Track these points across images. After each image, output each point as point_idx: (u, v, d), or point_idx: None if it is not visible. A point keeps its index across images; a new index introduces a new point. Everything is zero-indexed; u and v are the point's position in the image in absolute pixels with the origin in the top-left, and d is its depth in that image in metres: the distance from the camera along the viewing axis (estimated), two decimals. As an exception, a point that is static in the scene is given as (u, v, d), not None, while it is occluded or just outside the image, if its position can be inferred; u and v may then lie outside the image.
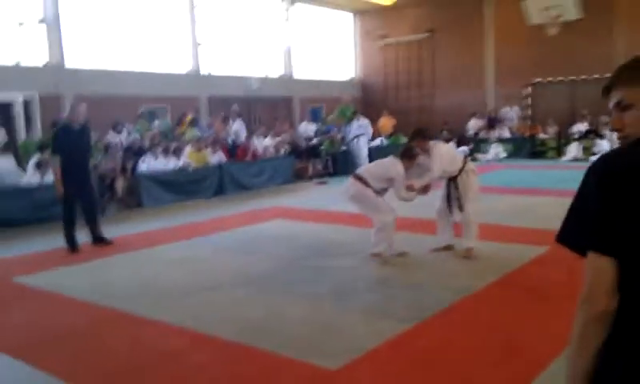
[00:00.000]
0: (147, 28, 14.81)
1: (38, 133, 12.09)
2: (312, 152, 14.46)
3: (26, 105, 12.32)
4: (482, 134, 17.69)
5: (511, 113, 18.25)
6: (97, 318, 4.72)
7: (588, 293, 1.34)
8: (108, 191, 9.88)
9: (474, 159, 16.16)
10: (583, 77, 16.98)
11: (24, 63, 12.63)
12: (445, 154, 6.01)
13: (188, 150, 11.64)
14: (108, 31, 13.97)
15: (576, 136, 16.29)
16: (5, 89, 11.85)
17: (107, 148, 10.96)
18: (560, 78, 17.51)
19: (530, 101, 18.32)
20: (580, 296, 1.35)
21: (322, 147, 14.63)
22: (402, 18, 20.38)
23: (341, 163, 14.30)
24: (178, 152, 11.42)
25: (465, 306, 4.65)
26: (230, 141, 13.29)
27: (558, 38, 16.96)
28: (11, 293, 5.60)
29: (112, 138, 11.91)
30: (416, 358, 3.71)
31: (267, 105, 17.81)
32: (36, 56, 12.83)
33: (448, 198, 6.09)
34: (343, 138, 15.06)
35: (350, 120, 15.06)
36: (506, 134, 17.49)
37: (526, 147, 17.06)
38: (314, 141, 15.00)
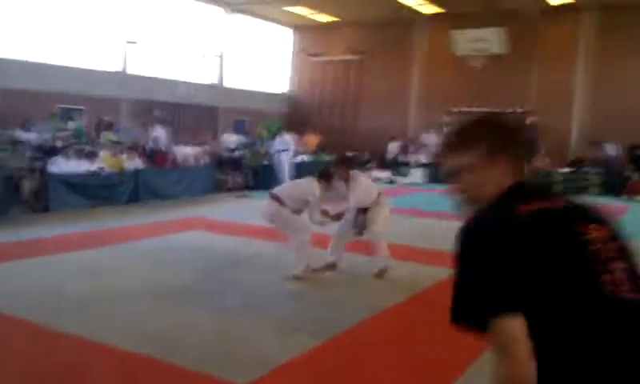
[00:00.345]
0: (71, 20, 14.19)
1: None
2: (233, 164, 14.32)
3: None
4: (402, 158, 18.19)
5: (430, 139, 18.89)
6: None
7: (509, 361, 1.20)
8: (14, 192, 9.32)
9: (392, 182, 16.62)
10: (500, 109, 17.89)
11: None
12: (363, 187, 6.19)
13: (104, 154, 11.22)
14: (26, 18, 13.27)
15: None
16: None
17: (14, 145, 10.36)
18: (477, 109, 18.35)
19: (449, 128, 19.05)
20: (496, 369, 1.22)
21: (244, 160, 14.52)
22: (336, 37, 20.75)
23: (262, 177, 14.24)
24: (92, 155, 10.97)
25: (375, 323, 4.73)
26: (148, 147, 12.93)
27: (480, 71, 17.82)
28: None
29: (19, 135, 11.29)
30: (326, 373, 3.73)
31: (193, 112, 17.51)
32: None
33: (355, 221, 6.21)
34: (267, 152, 15.04)
35: (274, 135, 15.09)
36: (424, 159, 18.08)
37: (444, 173, 17.70)
38: (237, 153, 14.87)
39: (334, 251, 6.31)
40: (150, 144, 13.10)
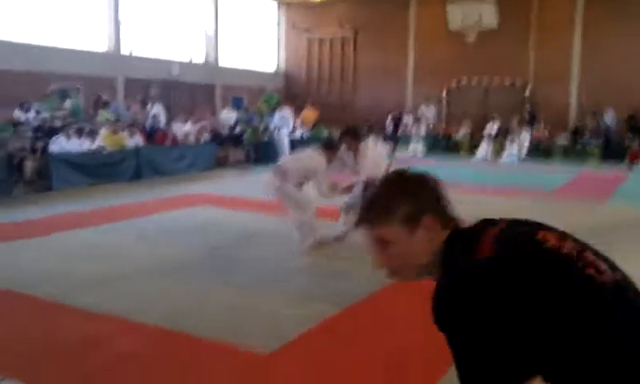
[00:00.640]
0: (64, 1, 14.04)
1: None
2: (233, 140, 14.29)
3: None
4: (402, 131, 18.15)
5: (428, 112, 18.88)
6: (7, 305, 4.44)
7: None
8: (16, 172, 9.30)
9: (391, 155, 16.60)
10: (496, 82, 17.89)
11: None
12: (373, 159, 6.04)
13: (103, 132, 11.17)
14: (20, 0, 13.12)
15: (486, 137, 17.11)
16: None
17: (16, 126, 10.31)
18: (475, 82, 18.33)
19: (446, 102, 19.04)
20: None
21: (244, 136, 14.49)
22: (327, 13, 20.55)
23: (262, 153, 14.24)
24: (92, 134, 10.94)
25: (388, 294, 4.77)
26: (147, 125, 12.88)
27: (475, 44, 17.74)
28: None
29: (18, 115, 11.22)
30: (345, 341, 3.78)
31: (188, 91, 17.39)
32: None
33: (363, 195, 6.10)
34: (266, 128, 15.00)
35: (273, 110, 15.04)
36: (423, 132, 18.07)
37: (441, 145, 17.74)
38: (237, 130, 14.83)
39: (344, 223, 6.19)
40: (150, 122, 13.04)
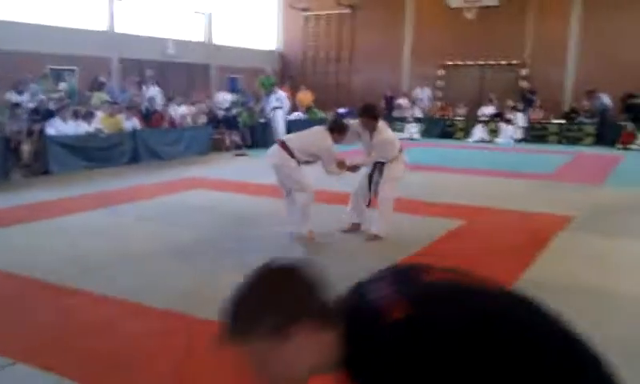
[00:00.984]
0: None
1: None
2: (230, 123, 14.22)
3: None
4: (398, 113, 18.08)
5: (422, 94, 18.83)
6: (17, 289, 4.44)
7: None
8: (13, 155, 9.24)
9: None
10: (493, 62, 17.84)
11: None
12: (389, 140, 5.89)
13: (100, 114, 11.10)
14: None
15: (482, 119, 17.12)
16: None
17: (12, 109, 10.21)
18: (471, 62, 18.27)
19: (442, 82, 18.99)
20: None
21: (240, 119, 14.42)
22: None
23: (259, 135, 14.20)
24: (88, 116, 10.86)
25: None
26: (144, 107, 12.79)
27: (474, 23, 17.63)
28: None
29: (13, 98, 11.10)
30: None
31: (184, 71, 17.26)
32: None
33: (370, 180, 5.95)
34: (262, 110, 14.93)
35: (269, 92, 14.96)
36: (418, 113, 18.04)
37: (437, 127, 17.72)
38: (233, 112, 14.75)
39: (353, 212, 6.07)
40: (146, 104, 12.95)
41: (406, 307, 1.07)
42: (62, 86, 12.78)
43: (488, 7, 17.25)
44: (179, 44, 16.80)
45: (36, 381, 3.07)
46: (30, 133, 9.73)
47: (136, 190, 8.62)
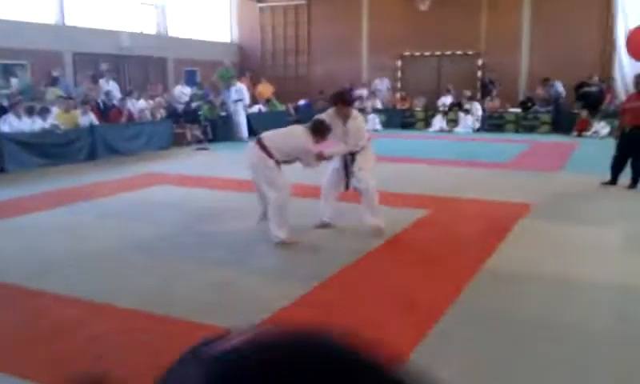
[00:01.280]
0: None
1: None
2: (190, 117, 14.03)
3: None
4: (358, 104, 18.13)
5: (382, 85, 18.95)
6: (-27, 291, 4.30)
7: None
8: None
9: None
10: (449, 52, 18.09)
11: None
12: (362, 126, 5.79)
13: (56, 110, 10.79)
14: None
15: (441, 109, 17.36)
16: None
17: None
18: (428, 53, 18.48)
19: (399, 73, 19.15)
20: None
21: (201, 112, 14.25)
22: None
23: (220, 129, 14.06)
24: (44, 112, 10.55)
25: (360, 266, 4.86)
26: (101, 102, 12.50)
27: (429, 13, 17.79)
28: None
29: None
30: (326, 313, 3.83)
31: (140, 64, 16.91)
32: None
33: (345, 171, 5.78)
34: (223, 104, 14.78)
35: (228, 85, 14.81)
36: (378, 105, 18.15)
37: (397, 118, 17.88)
38: (193, 105, 14.55)
39: (326, 208, 5.95)
40: (103, 98, 12.65)
41: None
42: (14, 81, 12.37)
43: (441, -2, 17.44)
44: (134, 37, 16.43)
45: (1, 386, 2.99)
46: (-19, 130, 9.40)
47: (95, 187, 8.43)
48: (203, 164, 10.68)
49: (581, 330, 3.61)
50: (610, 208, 6.94)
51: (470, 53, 17.89)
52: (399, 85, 19.12)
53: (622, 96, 13.80)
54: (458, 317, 3.77)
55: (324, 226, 5.96)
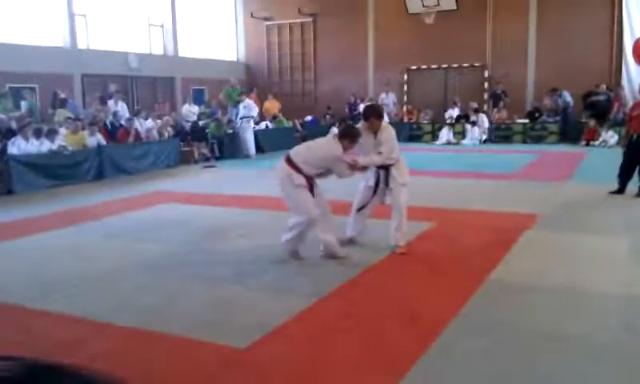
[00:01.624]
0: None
1: None
2: (197, 135, 14.11)
3: None
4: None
5: (388, 99, 18.96)
6: (-23, 312, 4.31)
7: None
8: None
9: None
10: (455, 64, 18.10)
11: None
12: (393, 137, 5.63)
13: (63, 132, 10.90)
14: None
15: (448, 121, 17.34)
16: None
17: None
18: (435, 66, 18.51)
19: (406, 87, 19.17)
20: None
21: (208, 130, 14.33)
22: (285, 0, 20.37)
23: (227, 147, 14.12)
24: (51, 134, 10.66)
25: (364, 279, 4.82)
26: (109, 122, 12.61)
27: (434, 27, 17.84)
28: None
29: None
30: (327, 328, 3.80)
31: (148, 84, 17.08)
32: None
33: (375, 188, 5.67)
34: (230, 121, 14.86)
35: (237, 102, 14.90)
36: (385, 119, 18.08)
37: (404, 131, 17.86)
38: (201, 123, 14.64)
39: (355, 225, 5.83)
40: (111, 119, 12.76)
41: None
42: (23, 104, 12.52)
43: (447, 11, 17.46)
44: (142, 57, 16.63)
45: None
46: (-10, 153, 9.51)
47: (102, 206, 8.47)
48: (210, 182, 10.71)
49: (587, 341, 3.55)
50: (618, 217, 6.86)
51: (477, 65, 17.90)
52: (405, 98, 19.14)
53: (630, 104, 13.71)
54: (462, 329, 3.73)
55: (350, 241, 5.82)
